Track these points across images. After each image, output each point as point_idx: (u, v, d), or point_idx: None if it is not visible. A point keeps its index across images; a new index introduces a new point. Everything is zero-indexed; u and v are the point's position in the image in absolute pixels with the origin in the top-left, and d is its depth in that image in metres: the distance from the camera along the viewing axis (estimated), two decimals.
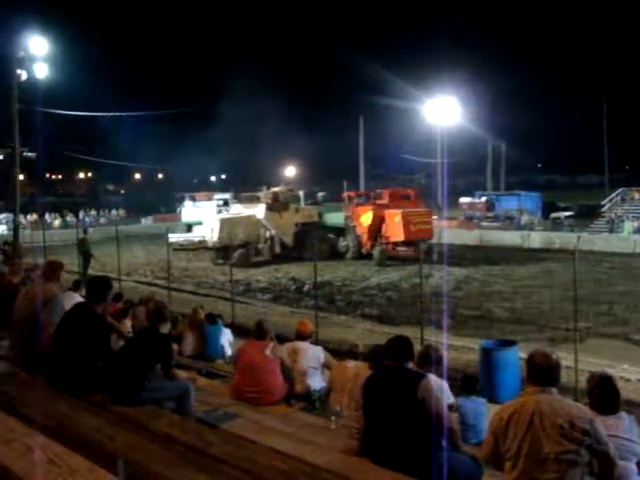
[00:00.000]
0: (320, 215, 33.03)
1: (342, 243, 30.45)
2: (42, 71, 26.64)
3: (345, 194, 36.53)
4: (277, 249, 29.77)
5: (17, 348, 6.39)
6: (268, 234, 29.39)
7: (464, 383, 6.93)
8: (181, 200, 44.70)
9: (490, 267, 26.28)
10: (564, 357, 8.56)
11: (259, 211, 30.22)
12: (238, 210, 32.08)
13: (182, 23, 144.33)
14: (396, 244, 28.16)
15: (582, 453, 3.56)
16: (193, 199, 39.31)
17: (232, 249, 27.29)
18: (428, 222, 28.72)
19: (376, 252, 28.16)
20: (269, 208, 30.25)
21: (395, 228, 28.00)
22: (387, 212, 28.85)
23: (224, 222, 29.16)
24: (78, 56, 57.80)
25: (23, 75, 25.60)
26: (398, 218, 27.85)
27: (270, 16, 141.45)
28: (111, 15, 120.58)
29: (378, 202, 30.61)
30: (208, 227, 29.50)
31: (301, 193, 34.12)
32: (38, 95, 29.68)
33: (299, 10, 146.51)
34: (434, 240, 29.37)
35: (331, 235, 30.91)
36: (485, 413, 6.83)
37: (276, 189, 33.28)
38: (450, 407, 5.37)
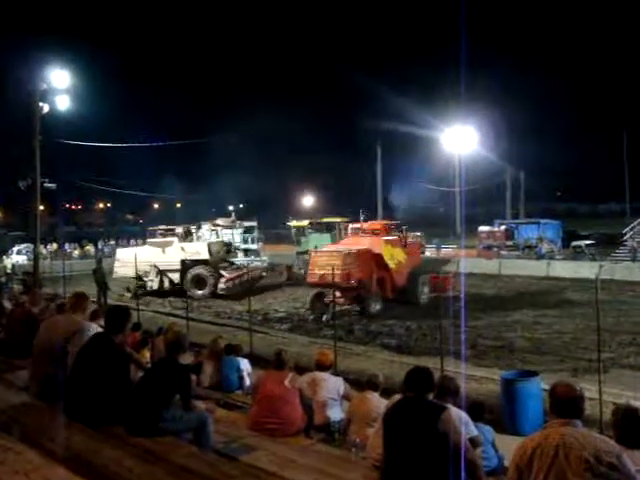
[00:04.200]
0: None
1: (220, 284, 28.19)
2: (64, 103, 27.03)
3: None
4: (165, 285, 29.22)
5: (38, 379, 6.38)
6: (157, 269, 28.97)
7: (470, 411, 6.84)
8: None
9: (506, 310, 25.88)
10: (588, 388, 8.40)
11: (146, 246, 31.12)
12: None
13: (200, 55, 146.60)
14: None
15: None
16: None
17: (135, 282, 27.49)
18: (339, 266, 21.15)
19: (309, 296, 23.52)
20: (151, 244, 30.93)
21: None
22: None
23: (119, 255, 30.28)
24: (97, 88, 58.90)
25: (45, 108, 25.99)
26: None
27: (289, 47, 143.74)
28: (130, 47, 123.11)
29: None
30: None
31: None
32: (59, 127, 30.24)
33: (319, 42, 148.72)
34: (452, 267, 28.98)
35: (221, 272, 28.88)
36: (491, 440, 6.75)
37: (220, 220, 33.73)
38: (473, 440, 5.27)
